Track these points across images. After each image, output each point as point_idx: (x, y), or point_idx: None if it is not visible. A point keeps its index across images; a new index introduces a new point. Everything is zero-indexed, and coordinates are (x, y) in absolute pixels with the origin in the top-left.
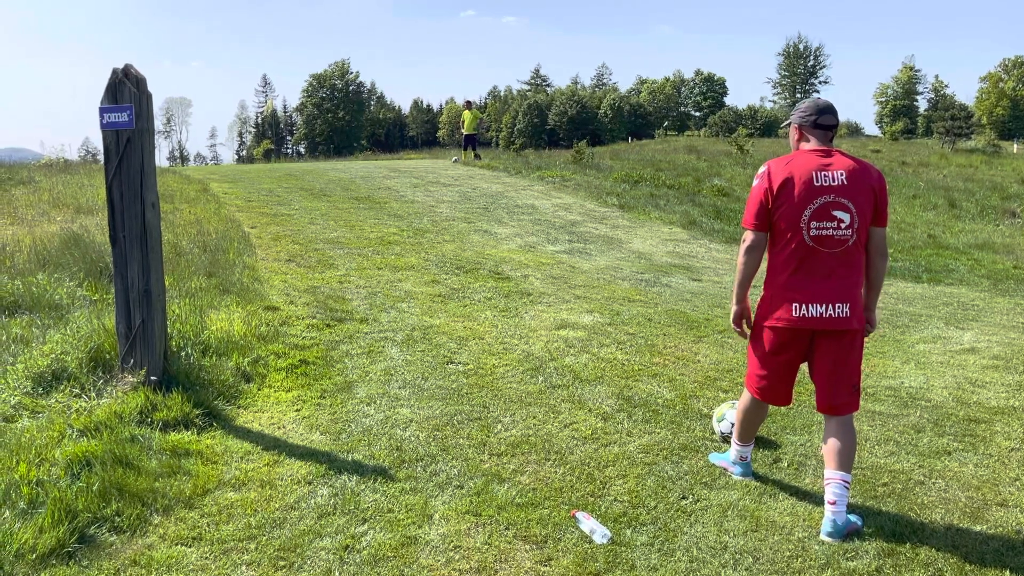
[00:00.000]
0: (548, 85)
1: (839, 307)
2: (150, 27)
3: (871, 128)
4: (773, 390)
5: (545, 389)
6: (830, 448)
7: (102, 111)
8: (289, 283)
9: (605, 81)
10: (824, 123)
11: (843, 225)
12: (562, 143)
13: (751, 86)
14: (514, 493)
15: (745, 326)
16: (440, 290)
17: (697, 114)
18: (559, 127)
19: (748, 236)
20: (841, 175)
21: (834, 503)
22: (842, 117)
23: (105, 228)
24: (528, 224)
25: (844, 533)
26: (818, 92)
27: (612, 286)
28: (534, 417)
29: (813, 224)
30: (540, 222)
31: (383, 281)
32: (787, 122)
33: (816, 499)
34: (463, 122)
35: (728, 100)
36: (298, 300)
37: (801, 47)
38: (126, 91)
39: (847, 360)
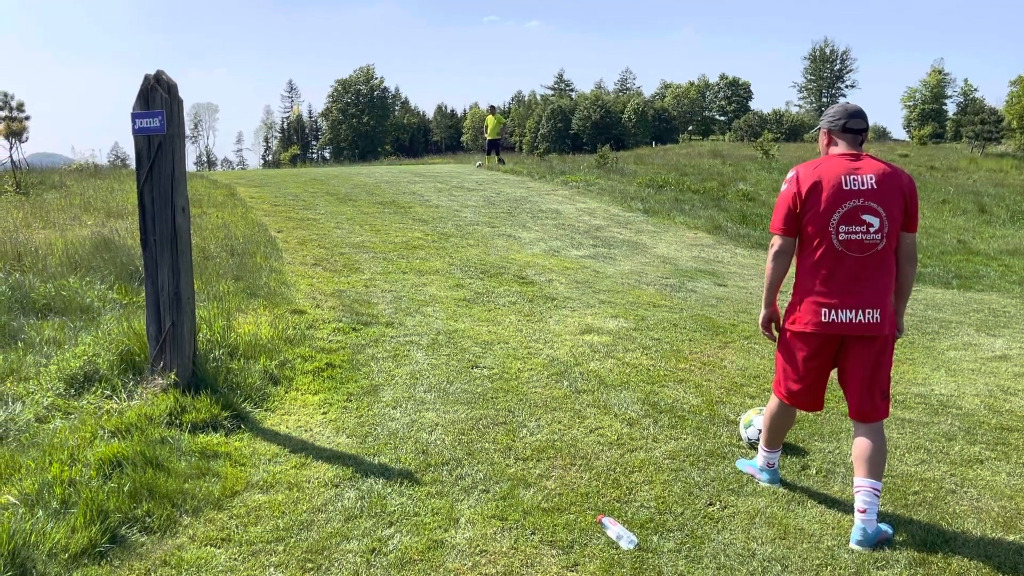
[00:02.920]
0: (572, 90)
1: (869, 312)
2: (176, 35)
3: (899, 132)
4: (802, 395)
5: (570, 394)
6: (860, 455)
7: (134, 116)
8: (315, 287)
9: (629, 86)
10: (853, 127)
11: (872, 229)
12: (586, 148)
13: (776, 90)
14: (540, 498)
15: (774, 329)
16: (465, 294)
17: (722, 118)
18: (583, 132)
19: (776, 241)
20: (871, 179)
21: (864, 511)
22: (869, 121)
23: (135, 232)
24: (552, 229)
25: (874, 542)
26: (844, 96)
27: (637, 291)
28: (559, 422)
29: (842, 228)
30: (564, 227)
31: (408, 285)
32: (816, 127)
33: (845, 507)
34: (487, 127)
35: (753, 104)
36: (324, 304)
37: (828, 51)
38: (158, 97)
39: (877, 366)
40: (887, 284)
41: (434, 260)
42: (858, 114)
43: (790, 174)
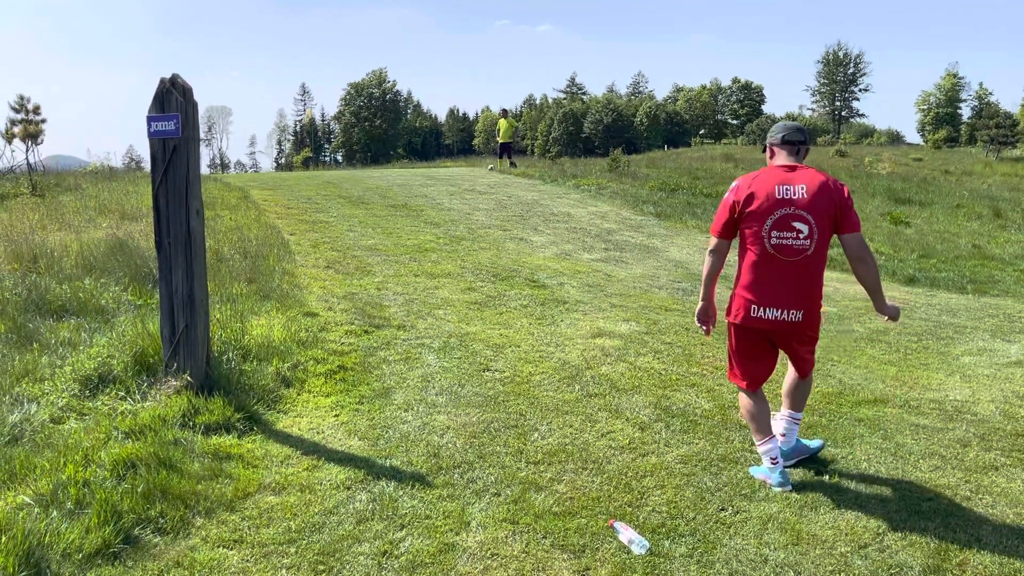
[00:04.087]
0: (584, 93)
1: (793, 313)
2: (191, 38)
3: (913, 136)
4: (750, 373)
5: (582, 398)
6: (787, 391)
7: (150, 120)
8: (328, 289)
9: (641, 89)
10: (790, 139)
11: (802, 236)
12: (598, 151)
13: (789, 94)
14: (551, 502)
15: (710, 323)
16: (476, 297)
17: (734, 122)
18: (595, 135)
19: (712, 242)
20: (802, 189)
21: (784, 436)
22: (882, 125)
23: (149, 234)
24: (564, 232)
25: (791, 455)
26: (858, 100)
27: (649, 295)
28: (571, 426)
29: (774, 233)
30: (576, 230)
31: (420, 288)
32: (763, 144)
33: (860, 512)
34: (499, 130)
35: (766, 108)
36: (336, 306)
37: (841, 54)
38: (173, 100)
39: (807, 345)
40: (814, 289)
41: (446, 263)
42: (797, 130)
43: (733, 184)
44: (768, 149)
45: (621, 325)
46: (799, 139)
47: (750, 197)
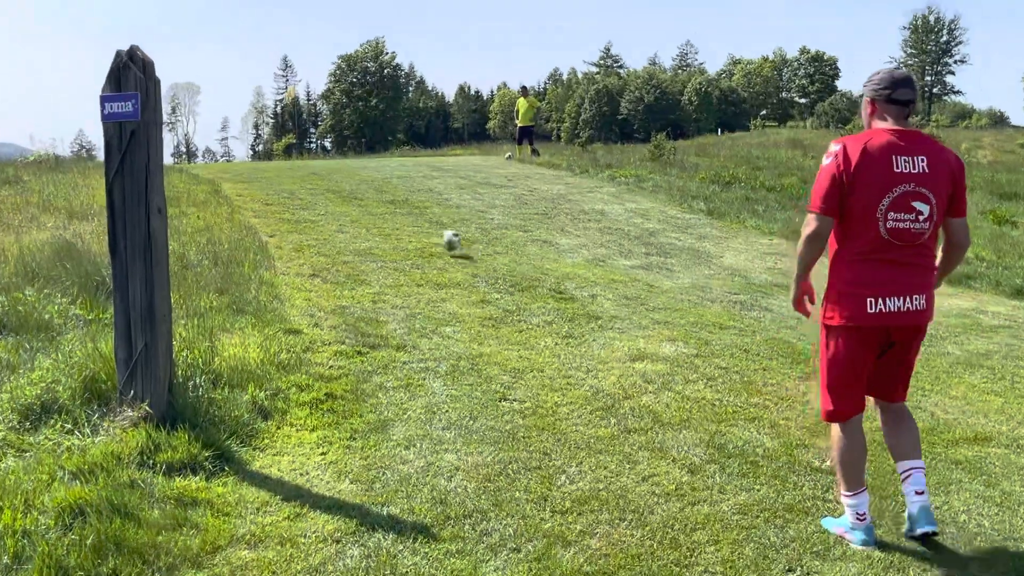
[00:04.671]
0: (620, 67)
1: (916, 299)
2: (149, 4)
3: (1019, 118)
4: (855, 397)
5: (618, 434)
6: (902, 439)
7: (103, 100)
8: (313, 302)
9: (690, 62)
10: (900, 97)
11: (922, 218)
12: (637, 136)
13: (869, 67)
14: (582, 560)
15: (807, 301)
16: (491, 312)
17: (802, 101)
18: (633, 117)
19: (812, 221)
20: (922, 161)
21: (923, 492)
22: (982, 104)
23: (102, 236)
24: (596, 233)
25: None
26: (953, 74)
27: (699, 309)
28: (605, 467)
29: (891, 215)
30: (611, 231)
31: (424, 300)
32: (859, 94)
33: (954, 574)
34: (517, 111)
35: (840, 84)
36: (324, 322)
37: (932, 20)
38: (131, 77)
39: (914, 355)
40: (929, 274)
41: (455, 271)
42: (906, 82)
43: (834, 147)
44: (870, 105)
45: (666, 346)
46: (910, 97)
47: (862, 167)
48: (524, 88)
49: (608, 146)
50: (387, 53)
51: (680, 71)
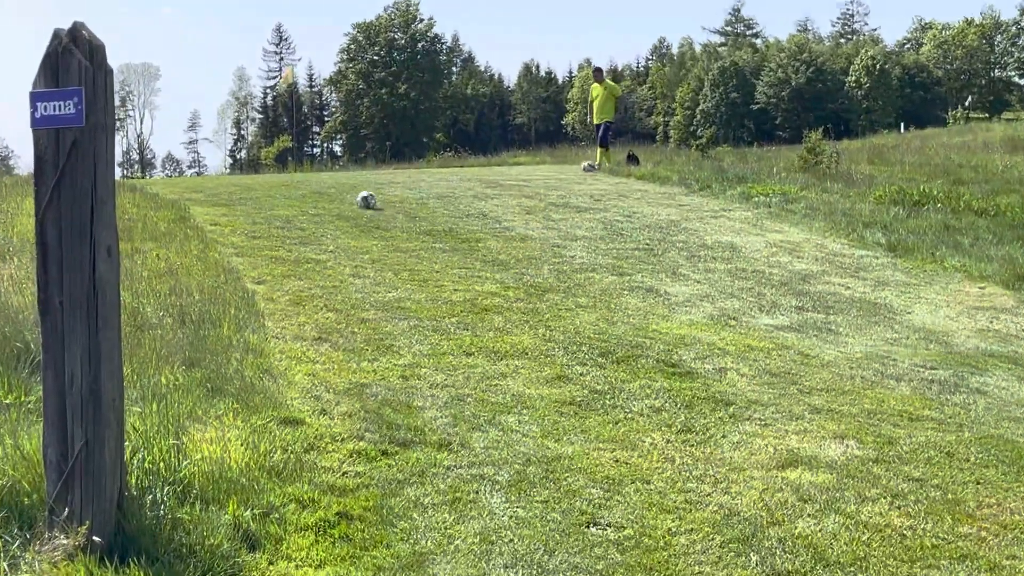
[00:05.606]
0: (756, 35)
1: None
2: None
3: None
4: None
5: None
6: None
7: (34, 98)
8: (320, 378)
9: (856, 27)
10: None
11: None
12: (780, 134)
13: None
14: None
15: None
16: (573, 393)
17: None
18: (775, 106)
19: None
20: None
21: None
22: None
23: (27, 284)
24: (723, 278)
25: None
26: None
27: (878, 391)
28: None
29: None
30: (745, 274)
31: (476, 376)
32: None
33: None
34: (591, 103)
35: None
36: (334, 408)
37: None
38: (73, 66)
39: None
40: None
41: (519, 333)
42: None
43: None
44: None
45: (830, 446)
46: None
47: None
48: (598, 71)
49: (739, 150)
50: (421, 19)
51: (843, 40)
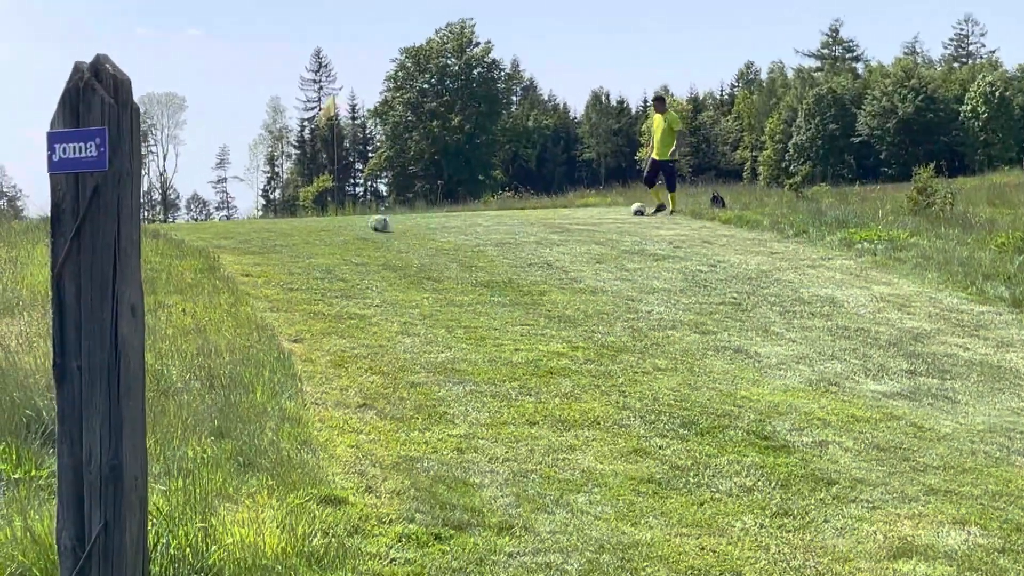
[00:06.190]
0: (857, 59)
1: None
2: None
3: None
4: None
5: None
6: None
7: (52, 139)
8: (364, 451)
9: (971, 51)
10: None
11: None
12: (885, 171)
13: None
14: None
15: None
16: (651, 470)
17: None
18: (879, 139)
19: None
20: None
21: None
22: None
23: (41, 345)
24: (823, 336)
25: None
26: None
27: (1004, 469)
28: None
29: None
30: (848, 332)
31: (540, 449)
32: None
33: None
34: (652, 135)
35: None
36: (381, 485)
37: None
38: (96, 103)
39: None
40: None
41: (589, 399)
42: None
43: None
44: None
45: (949, 533)
46: None
47: None
48: (660, 100)
49: (839, 189)
50: (478, 43)
51: (957, 64)
